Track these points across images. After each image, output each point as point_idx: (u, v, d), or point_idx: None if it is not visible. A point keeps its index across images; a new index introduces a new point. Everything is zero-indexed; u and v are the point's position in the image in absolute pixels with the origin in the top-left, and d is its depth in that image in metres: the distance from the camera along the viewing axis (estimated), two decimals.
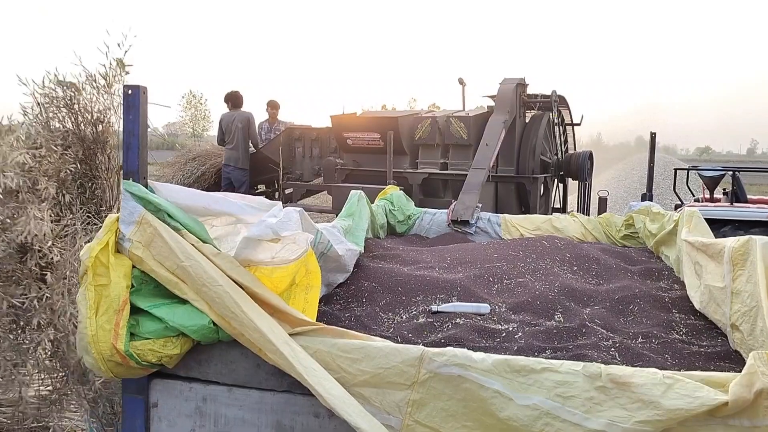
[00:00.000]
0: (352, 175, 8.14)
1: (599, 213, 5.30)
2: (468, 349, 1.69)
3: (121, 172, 2.31)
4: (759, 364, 1.44)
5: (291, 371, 1.65)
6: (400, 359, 1.63)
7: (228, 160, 8.67)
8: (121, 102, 1.95)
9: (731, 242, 2.10)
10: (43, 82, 3.00)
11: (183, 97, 46.33)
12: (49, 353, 2.83)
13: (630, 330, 2.26)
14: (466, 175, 6.55)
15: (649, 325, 2.31)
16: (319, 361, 1.69)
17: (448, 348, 1.64)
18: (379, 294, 2.54)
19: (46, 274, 2.75)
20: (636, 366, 1.72)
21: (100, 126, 3.04)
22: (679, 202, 8.05)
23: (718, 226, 6.35)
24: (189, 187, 2.26)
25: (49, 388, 3.01)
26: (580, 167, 8.35)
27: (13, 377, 2.79)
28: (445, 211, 4.33)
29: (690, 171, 8.60)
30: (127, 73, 3.09)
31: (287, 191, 8.97)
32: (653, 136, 6.11)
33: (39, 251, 2.70)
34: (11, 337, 2.78)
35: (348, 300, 2.50)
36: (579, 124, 9.18)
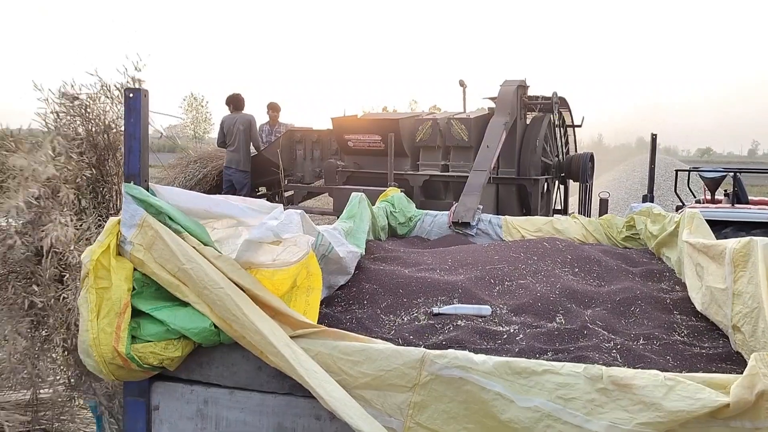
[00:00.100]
0: (353, 177, 8.15)
1: (600, 214, 5.30)
2: (469, 351, 1.69)
3: None
4: (760, 366, 1.44)
5: (292, 374, 1.65)
6: (401, 361, 1.63)
7: (229, 163, 8.68)
8: None
9: (732, 243, 2.10)
10: (60, 91, 3.10)
11: (184, 100, 46.40)
12: (65, 351, 2.90)
13: (631, 332, 2.26)
14: (467, 177, 6.56)
15: (651, 326, 2.31)
16: (321, 363, 1.69)
17: (450, 350, 1.64)
18: (380, 296, 2.54)
19: (65, 275, 2.84)
20: (637, 368, 1.72)
21: (111, 133, 3.12)
22: (681, 204, 8.05)
23: (720, 228, 6.35)
24: (191, 189, 2.28)
25: (63, 383, 3.07)
26: (581, 169, 8.35)
27: (29, 376, 2.84)
28: (446, 212, 4.33)
29: (691, 172, 8.60)
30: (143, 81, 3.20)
31: (287, 194, 8.97)
32: (654, 137, 6.11)
33: (57, 254, 2.77)
34: (32, 335, 2.83)
35: (349, 302, 2.50)
36: (580, 126, 9.18)
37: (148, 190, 1.87)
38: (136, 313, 1.76)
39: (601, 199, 6.64)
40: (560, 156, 8.69)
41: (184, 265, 1.74)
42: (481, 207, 4.62)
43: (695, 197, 8.64)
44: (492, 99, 7.89)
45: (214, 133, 9.79)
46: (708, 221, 2.98)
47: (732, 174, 7.56)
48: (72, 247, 2.78)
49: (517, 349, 2.04)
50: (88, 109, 3.10)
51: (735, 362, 1.97)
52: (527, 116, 8.15)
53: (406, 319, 2.37)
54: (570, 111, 8.90)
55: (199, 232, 1.85)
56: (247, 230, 1.99)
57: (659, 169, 12.36)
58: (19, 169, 2.73)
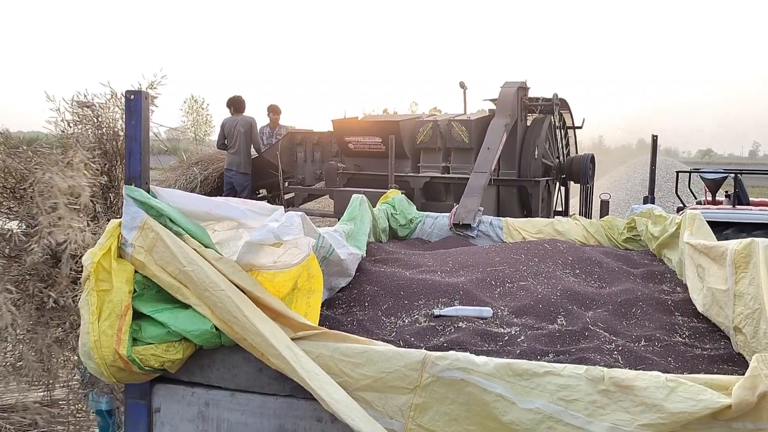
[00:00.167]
0: (354, 179, 8.15)
1: (601, 216, 5.30)
2: (470, 352, 1.69)
3: None
4: (762, 367, 1.44)
5: (293, 376, 1.65)
6: (402, 363, 1.63)
7: (230, 165, 8.68)
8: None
9: (734, 245, 2.10)
10: (73, 100, 3.17)
11: (185, 102, 46.44)
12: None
13: (633, 333, 2.26)
14: (468, 178, 6.56)
15: (652, 328, 2.31)
16: (322, 365, 1.69)
17: (451, 352, 1.64)
18: (381, 298, 2.54)
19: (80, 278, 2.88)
20: (639, 369, 1.71)
21: (120, 140, 3.18)
22: (681, 205, 8.05)
23: (721, 229, 6.34)
24: (191, 191, 2.30)
25: (77, 381, 3.10)
26: (581, 170, 8.35)
27: (45, 373, 2.87)
28: (447, 214, 4.33)
29: (692, 174, 8.61)
30: (156, 106, 3.28)
31: (288, 196, 8.98)
32: (655, 138, 6.10)
33: (75, 257, 2.83)
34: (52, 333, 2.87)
35: (350, 304, 2.50)
36: (580, 127, 9.18)
37: (149, 193, 1.87)
38: (137, 316, 1.76)
39: (602, 201, 6.64)
40: (561, 157, 8.69)
41: (185, 267, 1.74)
42: (482, 209, 4.62)
43: (696, 198, 8.64)
44: (492, 101, 7.89)
45: (215, 136, 9.78)
46: (709, 222, 2.97)
47: (733, 175, 7.56)
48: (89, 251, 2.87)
49: (518, 351, 2.04)
50: (100, 118, 3.17)
51: (736, 363, 1.96)
52: (528, 118, 8.15)
53: (407, 320, 2.37)
54: (570, 112, 8.90)
55: (200, 234, 1.85)
56: (248, 232, 1.99)
57: (660, 171, 12.36)
58: (47, 182, 2.79)
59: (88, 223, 2.89)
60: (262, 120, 9.53)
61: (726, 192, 7.75)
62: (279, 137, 9.24)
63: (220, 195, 8.25)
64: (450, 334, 2.18)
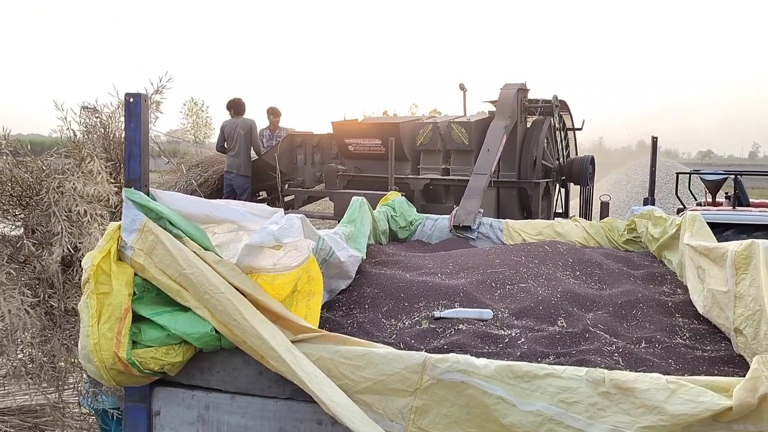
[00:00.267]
0: (354, 182, 8.15)
1: (601, 217, 5.29)
2: (471, 355, 1.68)
3: None
4: (763, 369, 1.44)
5: (293, 378, 1.64)
6: (402, 366, 1.63)
7: (230, 167, 8.69)
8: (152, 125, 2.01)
9: (734, 246, 2.09)
10: (81, 109, 3.18)
11: (184, 105, 46.45)
12: None
13: (633, 335, 2.25)
14: (468, 180, 6.56)
15: (653, 329, 2.31)
16: (322, 368, 1.68)
17: (451, 354, 1.63)
18: (381, 300, 2.53)
19: None
20: (639, 371, 1.71)
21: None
22: (682, 206, 8.05)
23: (721, 230, 6.34)
24: (191, 194, 2.30)
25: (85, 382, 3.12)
26: (581, 172, 8.35)
27: (59, 373, 2.89)
28: (447, 216, 4.33)
29: (692, 175, 8.60)
30: (162, 112, 3.33)
31: (287, 198, 8.98)
32: (655, 140, 6.10)
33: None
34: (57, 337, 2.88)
35: (350, 306, 2.50)
36: (580, 129, 9.18)
37: (148, 195, 1.87)
38: (137, 318, 1.76)
39: (602, 202, 6.63)
40: (561, 159, 8.69)
41: (184, 269, 1.73)
42: (482, 211, 4.62)
43: (696, 200, 8.63)
44: (492, 102, 7.90)
45: (215, 138, 9.78)
46: (709, 224, 2.97)
47: (733, 176, 7.56)
48: None
49: (518, 353, 2.03)
50: (108, 129, 3.19)
51: (737, 365, 1.96)
52: (528, 120, 8.15)
53: (407, 323, 2.37)
54: (570, 114, 8.90)
55: (200, 236, 1.85)
56: (248, 235, 1.99)
57: (660, 172, 12.36)
58: (70, 191, 2.83)
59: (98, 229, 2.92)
60: (261, 122, 9.54)
61: (726, 193, 7.75)
62: (279, 139, 9.25)
63: (220, 197, 8.25)
64: (450, 337, 2.18)
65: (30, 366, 2.88)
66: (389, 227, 4.11)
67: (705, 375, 1.85)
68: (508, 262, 3.04)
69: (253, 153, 8.95)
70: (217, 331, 1.74)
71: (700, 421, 1.42)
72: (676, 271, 3.03)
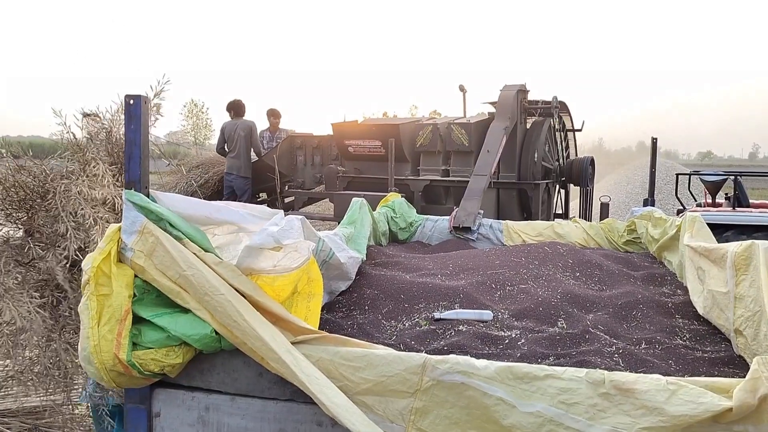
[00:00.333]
0: (354, 183, 8.15)
1: (601, 218, 5.29)
2: (471, 356, 1.68)
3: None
4: (763, 369, 1.44)
5: (293, 380, 1.64)
6: (402, 367, 1.63)
7: (230, 169, 8.69)
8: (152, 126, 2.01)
9: (734, 247, 2.10)
10: (83, 115, 3.19)
11: (185, 106, 46.48)
12: None
13: (633, 336, 2.25)
14: (468, 181, 6.56)
15: (653, 330, 2.31)
16: (322, 369, 1.68)
17: (451, 355, 1.63)
18: (381, 301, 2.53)
19: None
20: (639, 372, 1.72)
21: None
22: (682, 207, 8.06)
23: (721, 231, 6.35)
24: (192, 195, 2.30)
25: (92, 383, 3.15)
26: (581, 173, 8.35)
27: (66, 377, 2.90)
28: (447, 217, 4.33)
29: (692, 176, 8.61)
30: (162, 115, 3.29)
31: (287, 200, 8.97)
32: (654, 141, 6.11)
33: None
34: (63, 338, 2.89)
35: (350, 308, 2.50)
36: (580, 130, 9.19)
37: (148, 197, 1.87)
38: (137, 320, 1.76)
39: (602, 203, 6.64)
40: (561, 160, 8.69)
41: (184, 271, 1.74)
42: (482, 212, 4.62)
43: (696, 201, 8.64)
44: (492, 104, 7.90)
45: (215, 139, 9.79)
46: (709, 225, 2.97)
47: (733, 177, 7.57)
48: None
49: (518, 354, 2.03)
50: (110, 132, 3.19)
51: (737, 366, 1.96)
52: (527, 121, 8.15)
53: (407, 324, 2.37)
54: (570, 115, 8.90)
55: (200, 238, 1.85)
56: (248, 236, 1.99)
57: (660, 173, 12.37)
58: (76, 194, 2.83)
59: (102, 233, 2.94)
60: (262, 124, 9.55)
61: (726, 194, 7.76)
62: (279, 141, 9.25)
63: (220, 199, 8.25)
64: (450, 338, 2.18)
65: (37, 369, 2.88)
66: (389, 228, 4.11)
67: (705, 376, 1.84)
68: (508, 263, 3.04)
69: (253, 154, 8.96)
70: (217, 333, 1.74)
71: (700, 422, 1.42)
72: (676, 272, 3.03)
